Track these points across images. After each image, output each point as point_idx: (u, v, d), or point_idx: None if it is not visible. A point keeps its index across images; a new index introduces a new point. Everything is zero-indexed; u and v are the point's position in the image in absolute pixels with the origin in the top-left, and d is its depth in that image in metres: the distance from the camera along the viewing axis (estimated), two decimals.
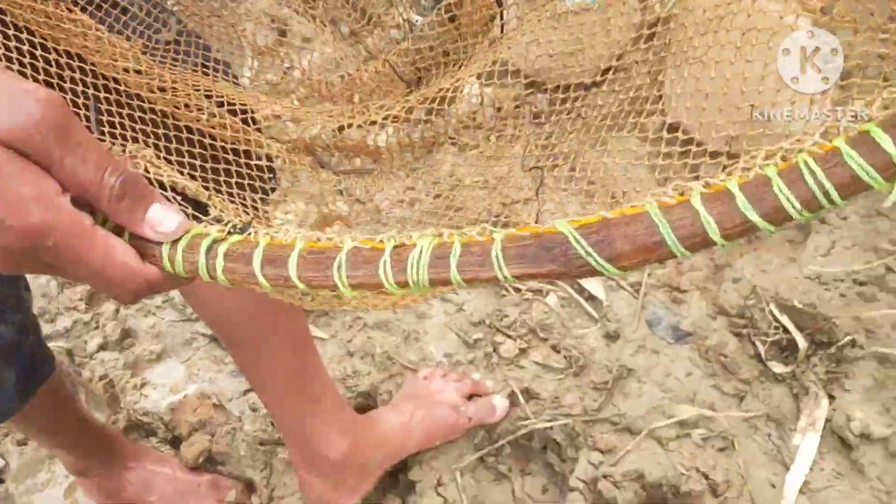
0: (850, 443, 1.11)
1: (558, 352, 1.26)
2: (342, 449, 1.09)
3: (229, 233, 0.44)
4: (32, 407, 0.95)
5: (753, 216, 0.33)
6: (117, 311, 1.45)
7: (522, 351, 1.27)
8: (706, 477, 1.11)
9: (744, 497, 1.09)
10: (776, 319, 1.24)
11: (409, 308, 1.35)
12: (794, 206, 0.33)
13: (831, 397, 1.17)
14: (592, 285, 1.31)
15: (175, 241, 0.43)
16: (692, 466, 1.11)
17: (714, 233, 0.34)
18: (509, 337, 1.28)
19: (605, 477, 1.12)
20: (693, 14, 1.22)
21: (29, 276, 1.16)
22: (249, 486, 1.26)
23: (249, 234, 0.43)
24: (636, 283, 1.31)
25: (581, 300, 1.30)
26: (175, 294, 1.45)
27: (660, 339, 1.25)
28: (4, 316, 0.87)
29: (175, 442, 1.31)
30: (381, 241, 0.40)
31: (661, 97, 1.53)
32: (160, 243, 0.43)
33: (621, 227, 0.35)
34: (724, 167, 0.37)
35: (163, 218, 0.43)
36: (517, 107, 1.58)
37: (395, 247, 0.40)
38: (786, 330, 1.24)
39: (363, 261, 0.40)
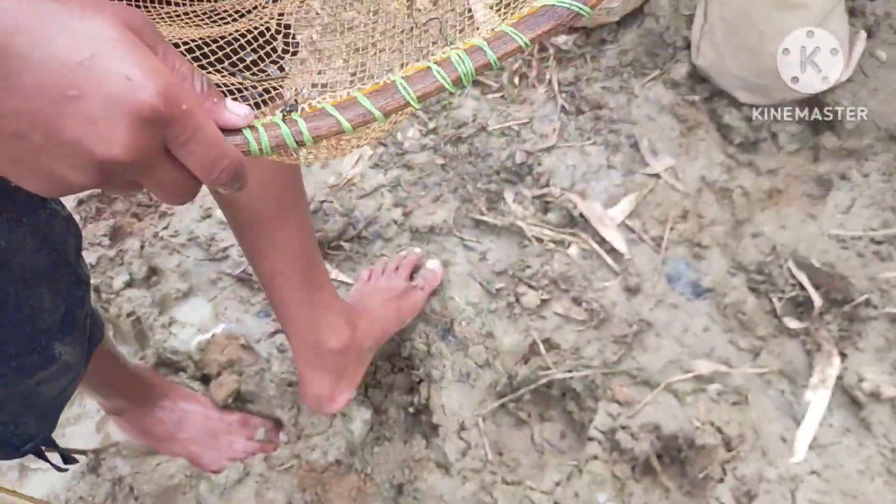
0: (860, 401, 1.16)
1: (579, 304, 1.29)
2: (345, 336, 1.14)
3: (286, 112, 0.49)
4: None
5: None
6: (142, 247, 1.47)
7: (544, 302, 1.30)
8: (720, 431, 1.16)
9: (755, 451, 1.14)
10: (793, 276, 1.27)
11: (432, 256, 1.37)
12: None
13: (843, 355, 1.21)
14: (615, 238, 1.33)
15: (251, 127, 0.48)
16: (707, 420, 1.16)
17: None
18: (531, 287, 1.31)
19: (622, 428, 1.17)
20: None
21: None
22: (278, 425, 1.31)
23: (302, 107, 0.49)
24: (658, 238, 1.33)
25: (602, 252, 1.32)
26: (200, 232, 1.46)
27: (679, 294, 1.28)
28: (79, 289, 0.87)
29: (204, 379, 1.35)
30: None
31: (688, 42, 1.50)
32: (240, 131, 0.47)
33: None
34: None
35: (238, 107, 0.47)
36: (541, 48, 1.57)
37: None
38: (802, 287, 1.27)
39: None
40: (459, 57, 0.48)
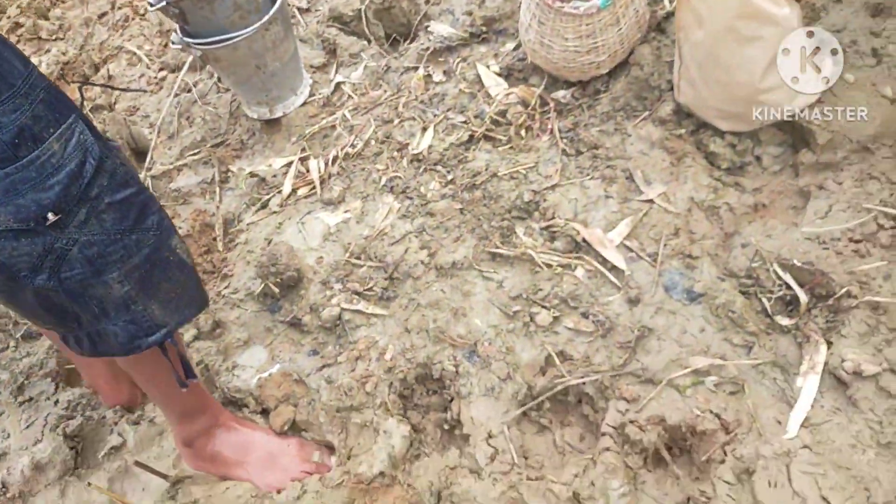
0: (846, 381, 1.27)
1: (587, 318, 1.44)
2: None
3: None
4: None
5: None
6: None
7: (556, 319, 1.45)
8: (718, 417, 1.28)
9: (752, 433, 1.26)
10: (779, 278, 1.40)
11: (455, 289, 1.55)
12: None
13: (829, 343, 1.32)
14: (615, 257, 1.48)
15: None
16: (706, 409, 1.29)
17: None
18: (544, 307, 1.47)
19: (631, 422, 1.30)
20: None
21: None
22: (330, 448, 1.48)
23: None
24: (653, 254, 1.48)
25: (605, 271, 1.48)
26: (255, 288, 1.67)
27: (676, 301, 1.42)
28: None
29: (264, 413, 1.53)
30: None
31: (670, 84, 1.69)
32: None
33: None
34: None
35: None
36: (543, 103, 1.77)
37: None
38: (789, 287, 1.39)
39: None
40: None
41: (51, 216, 0.92)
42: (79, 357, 1.50)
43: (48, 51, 2.55)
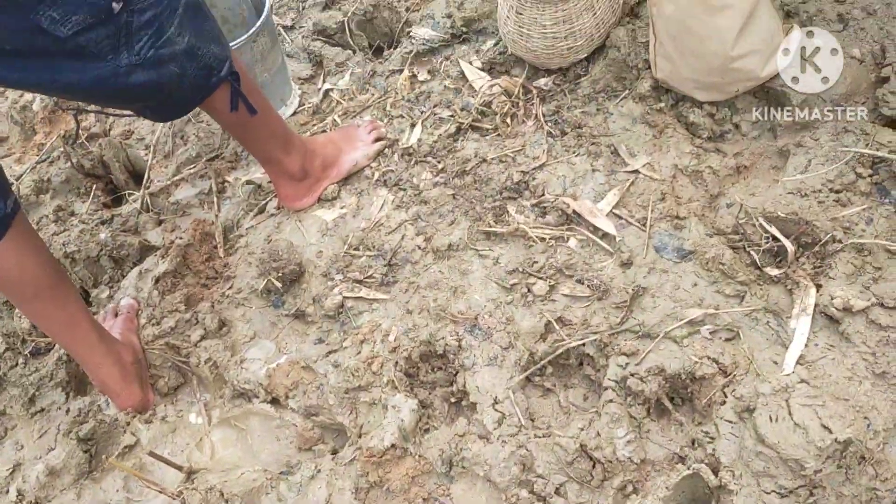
0: (837, 318, 1.31)
1: (582, 283, 1.48)
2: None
3: None
4: None
5: None
6: (213, 305, 1.72)
7: (552, 287, 1.49)
8: (716, 362, 1.31)
9: (750, 374, 1.29)
10: (765, 230, 1.45)
11: (453, 268, 1.59)
12: None
13: (819, 287, 1.37)
14: (606, 224, 1.53)
15: None
16: (704, 355, 1.33)
17: None
18: (540, 278, 1.51)
19: (632, 375, 1.34)
20: None
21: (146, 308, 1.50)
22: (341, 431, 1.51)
23: None
24: (642, 219, 1.53)
25: (597, 239, 1.53)
26: (259, 286, 1.71)
27: (667, 260, 1.47)
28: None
29: (274, 402, 1.56)
30: None
31: (647, 63, 1.76)
32: None
33: None
34: None
35: None
36: (526, 91, 1.83)
37: None
38: (775, 238, 1.44)
39: None
40: None
41: (114, 5, 1.19)
42: (89, 360, 1.53)
43: None
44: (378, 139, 1.88)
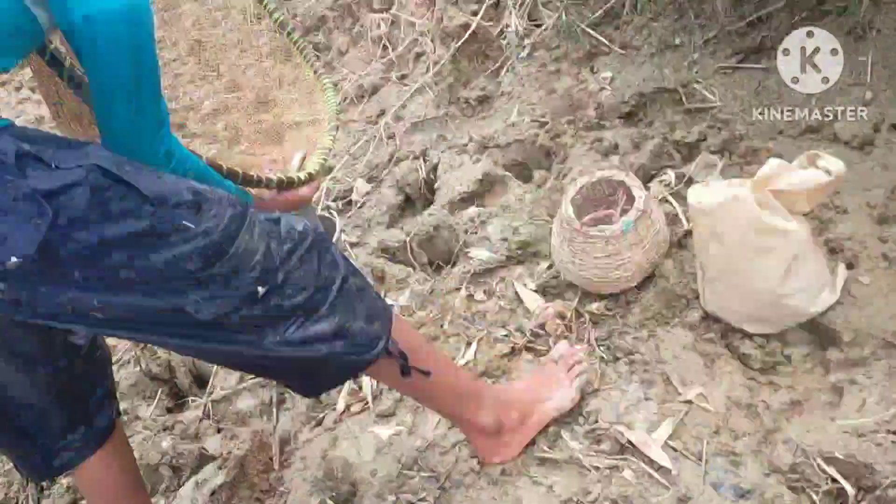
0: None
1: None
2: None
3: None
4: None
5: None
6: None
7: None
8: None
9: None
10: (824, 472, 1.44)
11: (506, 494, 1.59)
12: None
13: None
14: (661, 457, 1.53)
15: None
16: None
17: None
18: None
19: None
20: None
21: None
22: None
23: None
24: (698, 452, 1.53)
25: (652, 471, 1.52)
26: (312, 502, 1.73)
27: (724, 498, 1.45)
28: None
29: None
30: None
31: (696, 292, 1.82)
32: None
33: None
34: None
35: None
36: (578, 315, 1.90)
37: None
38: (835, 480, 1.42)
39: None
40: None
41: (259, 289, 1.15)
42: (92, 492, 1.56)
43: None
44: (580, 374, 1.69)
